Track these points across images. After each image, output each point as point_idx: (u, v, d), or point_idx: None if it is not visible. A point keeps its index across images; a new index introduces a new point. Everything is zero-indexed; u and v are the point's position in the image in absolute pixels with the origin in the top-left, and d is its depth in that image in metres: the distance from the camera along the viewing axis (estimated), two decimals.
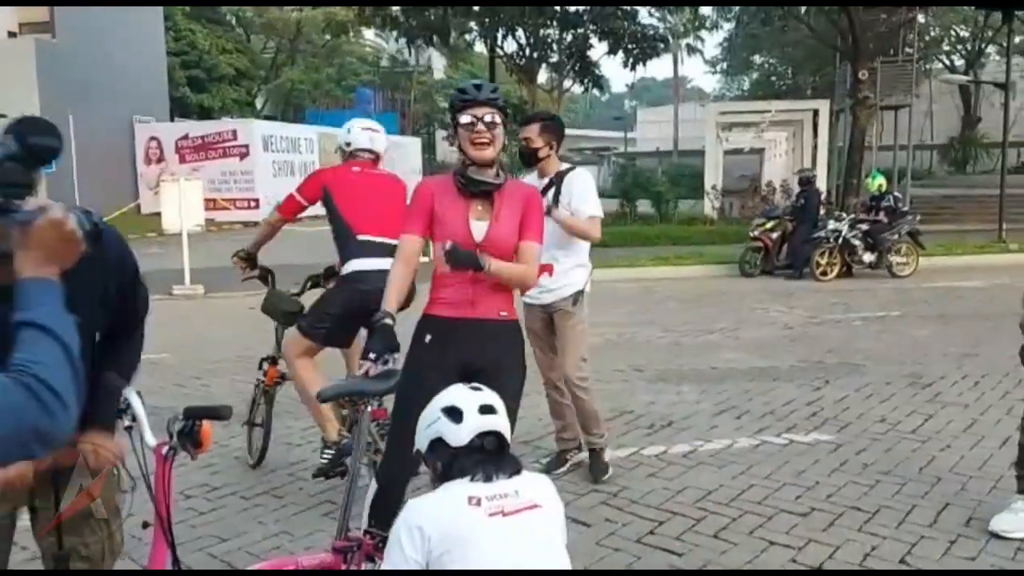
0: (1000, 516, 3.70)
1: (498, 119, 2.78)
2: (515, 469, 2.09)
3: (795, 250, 12.64)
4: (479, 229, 2.89)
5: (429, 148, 41.75)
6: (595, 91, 24.22)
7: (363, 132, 4.13)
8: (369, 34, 40.10)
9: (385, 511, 2.61)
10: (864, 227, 12.41)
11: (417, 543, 1.95)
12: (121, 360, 2.00)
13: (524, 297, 4.20)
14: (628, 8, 18.00)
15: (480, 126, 2.76)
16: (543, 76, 20.90)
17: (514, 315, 3.02)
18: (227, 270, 8.06)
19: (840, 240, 12.24)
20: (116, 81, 24.46)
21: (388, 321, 2.63)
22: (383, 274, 2.96)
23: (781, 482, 4.27)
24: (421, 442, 2.15)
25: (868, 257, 12.35)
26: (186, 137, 24.93)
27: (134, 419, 1.82)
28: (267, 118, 35.74)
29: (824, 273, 12.18)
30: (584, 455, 4.44)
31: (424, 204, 2.92)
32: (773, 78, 36.99)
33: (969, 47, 35.50)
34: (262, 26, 40.25)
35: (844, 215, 13.25)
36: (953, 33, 35.50)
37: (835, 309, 9.76)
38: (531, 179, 4.23)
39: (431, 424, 2.12)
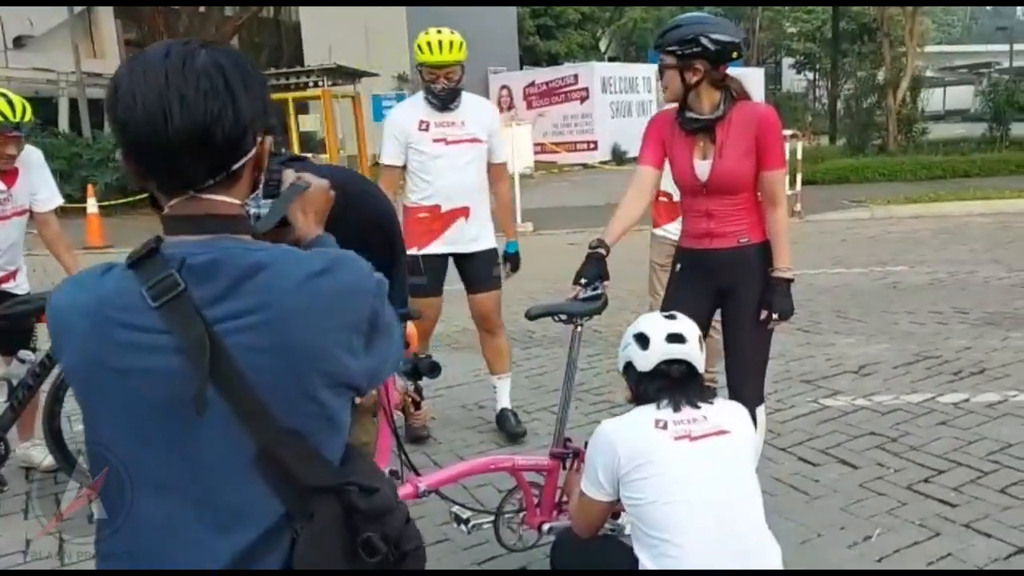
0: None
1: (669, 61, 2.82)
2: (705, 396, 2.16)
3: None
4: (703, 168, 2.91)
5: (775, 79, 39.61)
6: None
7: None
8: None
9: None
10: None
11: (608, 461, 2.11)
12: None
13: (657, 230, 4.28)
14: None
15: (662, 82, 2.88)
16: None
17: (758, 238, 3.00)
18: (554, 210, 8.19)
19: None
20: (473, 36, 26.22)
21: (601, 251, 2.80)
22: None
23: None
24: (619, 363, 2.31)
25: None
26: (532, 84, 26.39)
27: None
28: (611, 59, 36.47)
29: None
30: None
31: (656, 137, 3.01)
32: None
33: None
34: None
35: None
36: None
37: None
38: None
39: (624, 347, 2.26)
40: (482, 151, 3.98)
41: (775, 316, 2.94)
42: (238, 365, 1.07)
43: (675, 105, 2.94)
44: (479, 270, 4.07)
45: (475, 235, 4.02)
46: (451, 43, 3.78)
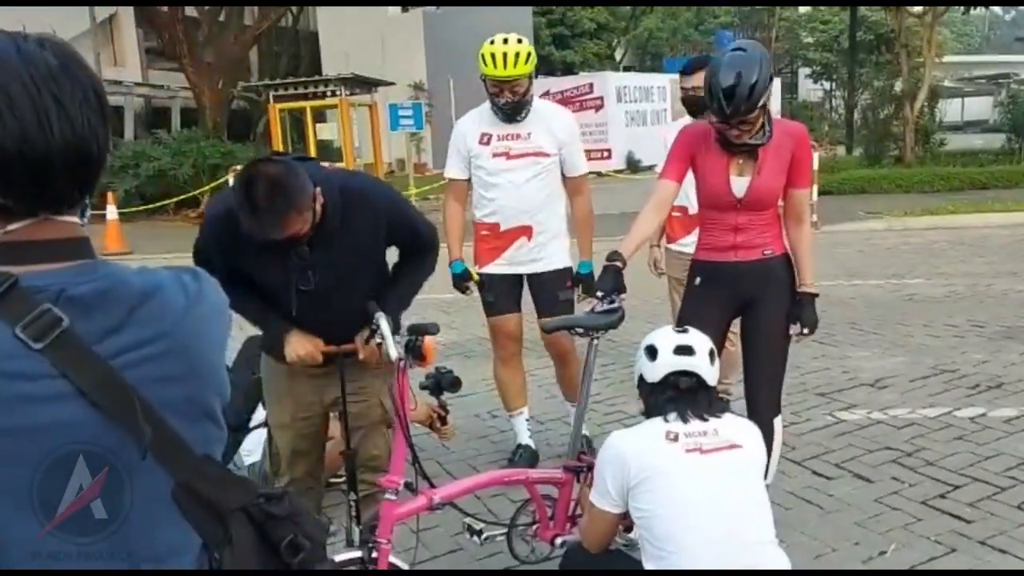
0: None
1: (755, 114, 2.74)
2: (714, 410, 2.16)
3: None
4: (739, 185, 2.91)
5: (791, 88, 39.49)
6: (995, 9, 20.84)
7: None
8: None
9: None
10: None
11: (617, 472, 2.12)
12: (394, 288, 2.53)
13: (672, 245, 4.20)
14: None
15: (735, 132, 2.79)
16: None
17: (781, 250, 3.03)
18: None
19: None
20: None
21: (618, 264, 2.78)
22: None
23: None
24: (635, 376, 2.32)
25: None
26: (547, 93, 26.25)
27: (382, 337, 2.23)
28: (627, 69, 36.50)
29: None
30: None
31: (684, 152, 2.99)
32: None
33: None
34: None
35: None
36: None
37: None
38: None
39: (636, 361, 2.28)
40: (548, 165, 3.67)
41: (804, 330, 2.98)
42: (147, 400, 0.98)
43: (692, 119, 2.95)
44: (544, 294, 3.79)
45: (537, 255, 3.74)
46: (516, 55, 3.47)
